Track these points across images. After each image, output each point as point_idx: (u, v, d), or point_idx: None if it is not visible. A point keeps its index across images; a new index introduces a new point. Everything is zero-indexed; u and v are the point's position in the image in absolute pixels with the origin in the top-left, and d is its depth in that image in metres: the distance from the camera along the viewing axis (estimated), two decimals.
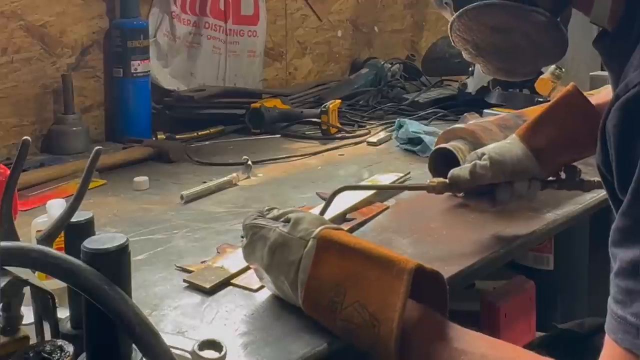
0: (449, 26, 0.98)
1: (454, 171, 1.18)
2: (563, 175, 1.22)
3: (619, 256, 0.72)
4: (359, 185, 1.40)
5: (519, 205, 1.26)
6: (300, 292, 0.88)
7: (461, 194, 1.23)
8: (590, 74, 1.87)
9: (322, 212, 1.13)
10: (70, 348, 0.71)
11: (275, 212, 0.97)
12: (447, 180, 1.18)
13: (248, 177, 1.53)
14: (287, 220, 0.93)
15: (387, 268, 0.82)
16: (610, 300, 0.72)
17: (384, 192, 1.39)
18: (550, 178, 1.22)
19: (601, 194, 1.39)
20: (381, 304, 0.81)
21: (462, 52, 1.01)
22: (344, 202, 1.31)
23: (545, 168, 1.18)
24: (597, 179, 1.22)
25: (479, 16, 0.94)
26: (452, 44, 1.01)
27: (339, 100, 2.00)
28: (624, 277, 0.71)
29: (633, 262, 0.70)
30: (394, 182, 1.44)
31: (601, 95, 1.21)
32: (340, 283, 0.85)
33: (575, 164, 1.22)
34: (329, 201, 1.13)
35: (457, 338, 0.81)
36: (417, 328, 0.82)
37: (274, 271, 0.92)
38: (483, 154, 1.18)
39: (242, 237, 1.00)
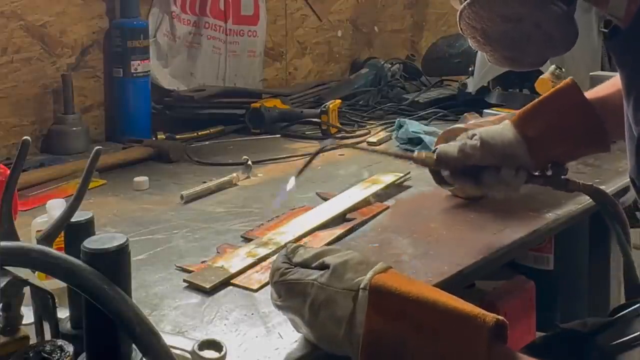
0: (458, 13, 0.97)
1: (442, 146, 1.17)
2: (550, 173, 1.22)
3: None
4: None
5: (503, 195, 1.25)
6: (358, 348, 0.78)
7: (447, 173, 1.20)
8: (590, 73, 1.87)
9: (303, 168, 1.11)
10: (70, 348, 0.71)
11: (302, 254, 0.86)
12: (434, 155, 1.17)
13: (248, 177, 1.53)
14: (323, 266, 0.83)
15: (464, 323, 0.75)
16: None
17: (383, 192, 1.39)
18: (537, 173, 1.21)
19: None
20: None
21: (470, 40, 1.01)
22: (344, 202, 1.31)
23: (535, 158, 1.17)
24: (583, 181, 1.22)
25: (490, 4, 0.94)
26: (460, 31, 1.00)
27: (339, 100, 2.00)
28: None
29: None
30: (393, 182, 1.44)
31: (597, 89, 1.20)
32: (406, 338, 0.76)
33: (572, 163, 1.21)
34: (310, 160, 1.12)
35: None
36: None
37: (319, 328, 0.82)
38: (474, 135, 1.17)
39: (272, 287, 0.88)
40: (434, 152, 1.18)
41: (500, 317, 0.75)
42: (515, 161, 1.16)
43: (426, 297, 0.77)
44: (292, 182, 1.12)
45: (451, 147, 1.16)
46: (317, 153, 1.16)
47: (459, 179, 1.19)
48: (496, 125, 1.20)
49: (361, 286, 0.79)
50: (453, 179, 1.20)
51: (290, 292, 0.83)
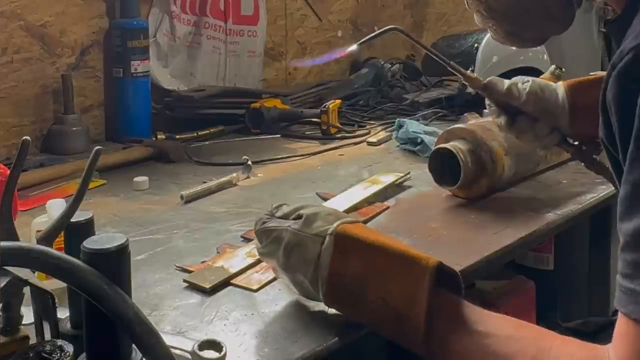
0: None
1: (494, 78, 1.24)
2: (585, 148, 1.24)
3: (623, 230, 0.72)
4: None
5: (530, 145, 1.28)
6: (322, 288, 0.88)
7: (487, 102, 1.26)
8: (591, 73, 1.87)
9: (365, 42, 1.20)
10: (70, 348, 0.71)
11: (284, 209, 0.96)
12: (483, 81, 1.23)
13: (248, 177, 1.53)
14: (299, 217, 0.93)
15: (410, 265, 0.84)
16: (618, 277, 0.72)
17: (384, 192, 1.39)
18: (575, 143, 1.24)
19: (602, 193, 1.39)
20: (406, 300, 0.82)
21: (475, 16, 1.04)
22: (344, 202, 1.31)
23: (574, 127, 1.22)
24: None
25: None
26: (466, 6, 1.04)
27: (339, 100, 2.00)
28: (629, 250, 0.71)
29: (636, 232, 0.70)
30: (393, 182, 1.44)
31: None
32: (362, 279, 0.86)
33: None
34: (377, 34, 1.19)
35: (479, 321, 0.81)
36: (438, 314, 0.82)
37: (291, 270, 0.91)
38: (527, 81, 1.23)
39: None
40: (484, 80, 1.24)
41: (451, 268, 0.85)
42: (553, 121, 1.22)
43: (381, 243, 0.87)
44: (354, 46, 1.25)
45: (501, 82, 1.23)
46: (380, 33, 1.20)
47: (496, 111, 1.25)
48: (551, 82, 1.25)
49: (328, 232, 0.88)
50: (491, 108, 1.26)
51: (268, 238, 0.93)
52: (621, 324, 0.71)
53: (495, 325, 0.81)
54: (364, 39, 1.20)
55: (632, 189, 0.71)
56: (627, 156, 0.72)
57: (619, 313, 0.72)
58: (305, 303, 0.97)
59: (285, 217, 0.94)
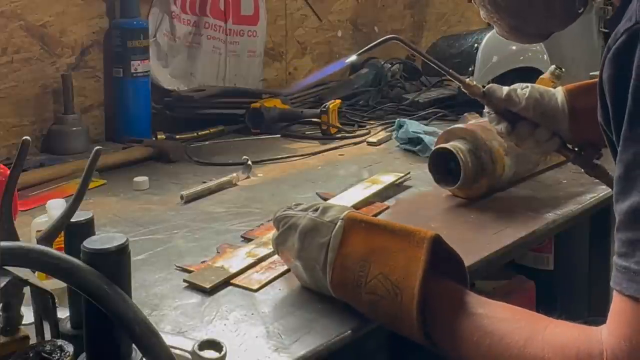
0: None
1: (493, 85, 1.24)
2: (584, 152, 1.23)
3: (618, 210, 0.73)
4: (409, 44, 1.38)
5: (532, 152, 1.28)
6: (329, 271, 0.92)
7: (487, 110, 1.26)
8: (590, 73, 1.87)
9: (364, 52, 1.23)
10: (70, 348, 0.71)
11: (303, 205, 1.01)
12: (482, 88, 1.23)
13: (248, 177, 1.53)
14: (317, 209, 0.97)
15: (409, 238, 0.87)
16: (614, 257, 0.73)
17: (384, 192, 1.39)
18: (574, 148, 1.24)
19: (602, 193, 1.39)
20: (403, 272, 0.85)
21: (480, 10, 1.05)
22: (344, 202, 1.31)
23: (574, 131, 1.22)
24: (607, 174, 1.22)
25: None
26: (472, 1, 1.05)
27: (339, 100, 2.00)
28: (624, 229, 0.72)
29: (630, 210, 0.71)
30: (393, 182, 1.44)
31: None
32: (366, 258, 0.89)
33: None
34: (376, 44, 1.22)
35: (478, 305, 0.84)
36: (439, 297, 0.85)
37: (305, 255, 0.95)
38: (526, 86, 1.23)
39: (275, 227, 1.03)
40: (483, 87, 1.24)
41: (453, 249, 0.89)
42: (554, 125, 1.22)
43: (385, 223, 0.93)
44: (353, 57, 1.28)
45: (500, 89, 1.23)
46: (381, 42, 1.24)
47: (495, 119, 1.25)
48: (551, 84, 1.25)
49: (340, 217, 0.94)
50: (490, 115, 1.26)
51: (285, 224, 0.99)
52: (616, 303, 0.72)
53: (492, 308, 0.83)
54: (363, 49, 1.21)
55: (625, 169, 0.72)
56: (620, 136, 0.72)
57: (614, 292, 0.72)
58: (304, 303, 0.97)
59: (303, 210, 0.99)
